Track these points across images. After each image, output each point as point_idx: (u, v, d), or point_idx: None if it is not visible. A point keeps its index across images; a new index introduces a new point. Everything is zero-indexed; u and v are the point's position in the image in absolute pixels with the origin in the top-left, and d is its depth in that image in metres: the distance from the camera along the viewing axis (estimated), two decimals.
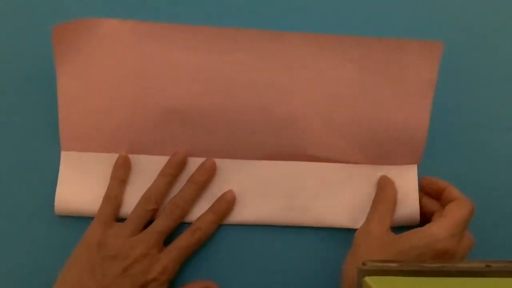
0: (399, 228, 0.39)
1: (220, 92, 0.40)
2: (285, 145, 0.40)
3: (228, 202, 0.40)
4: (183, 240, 0.38)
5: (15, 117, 0.41)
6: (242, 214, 0.40)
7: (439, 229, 0.35)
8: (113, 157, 0.40)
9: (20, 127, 0.41)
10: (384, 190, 0.40)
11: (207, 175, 0.40)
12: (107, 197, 0.39)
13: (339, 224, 0.40)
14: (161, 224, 0.38)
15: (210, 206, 0.40)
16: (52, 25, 0.37)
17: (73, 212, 0.40)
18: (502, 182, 0.42)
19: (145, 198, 0.39)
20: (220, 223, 0.40)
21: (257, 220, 0.40)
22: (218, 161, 0.41)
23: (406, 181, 0.40)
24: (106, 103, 0.39)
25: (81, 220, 0.39)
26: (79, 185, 0.40)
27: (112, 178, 0.39)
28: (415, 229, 0.36)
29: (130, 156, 0.40)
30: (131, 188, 0.40)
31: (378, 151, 0.41)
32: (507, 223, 0.41)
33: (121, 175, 0.40)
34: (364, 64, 0.39)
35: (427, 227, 0.36)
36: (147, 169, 0.40)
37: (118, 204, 0.39)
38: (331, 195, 0.40)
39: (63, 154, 0.40)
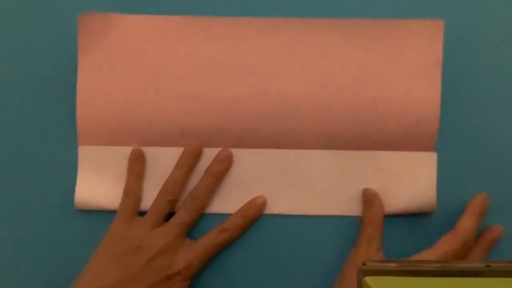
0: (415, 217, 0.39)
1: (235, 81, 0.40)
2: (296, 132, 0.40)
3: (257, 208, 0.40)
4: (210, 239, 0.39)
5: (34, 113, 0.42)
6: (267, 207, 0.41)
7: (431, 255, 0.36)
8: (130, 150, 0.41)
9: (39, 122, 0.42)
10: (371, 208, 0.40)
11: (224, 165, 0.40)
12: (126, 193, 0.40)
13: (353, 213, 0.41)
14: (182, 216, 0.39)
15: (240, 209, 0.40)
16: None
17: (94, 206, 0.41)
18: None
19: (163, 190, 0.39)
20: (248, 227, 0.41)
21: (272, 211, 0.41)
22: (235, 151, 0.41)
23: (424, 167, 0.40)
24: (124, 96, 0.40)
25: (102, 214, 0.40)
26: (98, 179, 0.41)
27: (129, 173, 0.40)
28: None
29: (147, 148, 0.41)
30: (149, 181, 0.41)
31: (392, 135, 0.40)
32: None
33: (137, 169, 0.40)
34: (369, 46, 0.40)
35: (414, 257, 0.36)
36: (165, 161, 0.41)
37: (138, 198, 0.40)
38: (347, 183, 0.41)
39: (81, 148, 0.41)
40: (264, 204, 0.40)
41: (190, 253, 0.38)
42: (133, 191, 0.40)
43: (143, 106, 0.40)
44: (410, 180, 0.40)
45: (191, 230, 0.40)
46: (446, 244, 0.37)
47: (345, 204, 0.41)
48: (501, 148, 0.41)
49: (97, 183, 0.41)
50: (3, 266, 0.41)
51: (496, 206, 0.40)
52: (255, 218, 0.40)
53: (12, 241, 0.41)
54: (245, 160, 0.41)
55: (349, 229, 0.41)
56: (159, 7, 0.41)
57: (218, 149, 0.41)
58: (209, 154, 0.41)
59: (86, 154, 0.41)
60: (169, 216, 0.40)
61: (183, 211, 0.39)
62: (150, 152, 0.41)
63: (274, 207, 0.41)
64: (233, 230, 0.40)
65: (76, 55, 0.40)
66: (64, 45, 0.41)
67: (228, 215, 0.41)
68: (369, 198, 0.40)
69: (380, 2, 0.41)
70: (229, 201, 0.41)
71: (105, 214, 0.40)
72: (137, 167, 0.40)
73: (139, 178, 0.40)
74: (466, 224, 0.38)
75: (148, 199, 0.40)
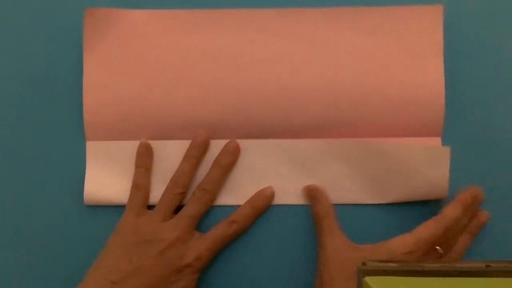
0: (426, 205, 0.40)
1: (241, 73, 0.40)
2: (303, 122, 0.41)
3: (266, 198, 0.41)
4: (220, 231, 0.40)
5: (41, 109, 0.42)
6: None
7: (398, 246, 0.36)
8: (138, 144, 0.41)
9: (46, 118, 0.42)
10: (320, 202, 0.40)
11: (232, 157, 0.41)
12: (135, 186, 0.40)
13: (360, 201, 0.41)
14: (192, 209, 0.39)
15: (248, 201, 0.41)
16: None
17: (103, 202, 0.41)
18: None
19: (172, 183, 0.40)
20: (257, 218, 0.41)
21: (281, 201, 0.41)
22: (243, 142, 0.41)
23: (436, 155, 0.40)
24: (131, 91, 0.41)
25: (111, 210, 0.41)
26: (107, 174, 0.41)
27: (137, 166, 0.41)
28: (379, 243, 0.37)
29: (155, 142, 0.41)
30: (158, 174, 0.41)
31: (397, 121, 0.40)
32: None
33: (145, 162, 0.41)
34: (371, 34, 0.40)
35: (388, 242, 0.37)
36: (173, 154, 0.41)
37: (147, 192, 0.40)
38: (355, 172, 0.41)
39: (88, 144, 0.41)
40: (272, 195, 0.41)
41: (200, 245, 0.39)
42: (142, 184, 0.40)
43: (150, 100, 0.41)
44: (421, 167, 0.40)
45: (200, 222, 0.41)
46: (426, 229, 0.37)
47: (354, 192, 0.41)
48: (507, 132, 0.41)
49: (106, 178, 0.41)
50: (14, 262, 0.42)
51: (501, 194, 0.41)
52: (264, 208, 0.41)
53: (22, 238, 0.42)
54: (253, 151, 0.41)
55: (358, 218, 0.41)
56: (164, 2, 0.41)
57: (226, 141, 0.41)
58: (217, 146, 0.41)
59: (94, 150, 0.41)
60: (178, 208, 0.40)
61: (193, 203, 0.40)
62: (158, 145, 0.41)
63: (283, 198, 0.41)
64: (242, 221, 0.40)
65: (81, 50, 0.40)
66: (70, 40, 0.41)
67: (237, 206, 0.41)
68: (313, 193, 0.40)
69: None
70: (237, 193, 0.41)
71: (115, 209, 0.41)
72: (145, 160, 0.41)
73: (147, 171, 0.41)
74: (451, 211, 0.38)
75: (157, 192, 0.41)
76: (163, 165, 0.41)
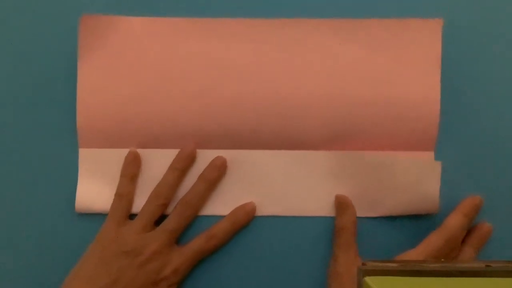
0: (414, 219, 0.40)
1: (235, 83, 0.40)
2: (296, 133, 0.41)
3: (247, 213, 0.40)
4: (198, 245, 0.39)
5: (35, 115, 0.42)
6: (267, 208, 0.41)
7: (412, 254, 0.36)
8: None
9: (40, 124, 0.42)
10: (344, 214, 0.39)
11: (218, 173, 0.40)
12: (118, 195, 0.40)
13: (361, 214, 0.41)
14: (173, 222, 0.39)
15: (228, 215, 0.40)
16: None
17: (94, 210, 0.41)
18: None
19: (155, 193, 0.39)
20: (236, 232, 0.40)
21: (271, 213, 0.41)
22: (230, 152, 0.41)
23: (427, 170, 0.40)
24: (125, 99, 0.41)
25: (103, 218, 0.40)
26: (99, 182, 0.41)
27: (123, 175, 0.40)
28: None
29: (146, 150, 0.41)
30: (148, 183, 0.41)
31: (392, 134, 0.40)
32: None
33: (131, 171, 0.40)
34: (369, 46, 0.40)
35: (404, 254, 0.37)
36: (165, 163, 0.41)
37: (130, 201, 0.40)
38: (347, 184, 0.41)
39: (81, 151, 0.41)
40: (253, 210, 0.40)
41: (177, 259, 0.38)
42: (125, 193, 0.40)
43: (144, 108, 0.40)
44: (412, 181, 0.40)
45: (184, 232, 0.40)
46: (430, 243, 0.37)
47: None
48: (501, 147, 0.41)
49: (98, 186, 0.41)
50: (5, 268, 0.41)
51: (494, 206, 0.40)
52: (244, 224, 0.41)
53: (13, 244, 0.41)
54: (247, 161, 0.41)
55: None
56: (160, 9, 0.41)
57: (219, 151, 0.41)
58: (211, 155, 0.41)
59: (87, 157, 0.41)
60: (162, 218, 0.40)
61: (174, 217, 0.39)
62: (150, 154, 0.41)
63: (273, 209, 0.41)
64: (221, 236, 0.40)
65: (76, 56, 0.40)
66: (65, 46, 0.41)
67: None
68: (341, 205, 0.40)
69: (379, 2, 0.41)
70: (229, 203, 0.41)
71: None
72: (131, 169, 0.40)
73: (133, 181, 0.40)
74: (452, 221, 0.38)
75: (142, 200, 0.40)
76: (154, 174, 0.41)
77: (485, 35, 0.41)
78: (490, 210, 0.41)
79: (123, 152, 0.41)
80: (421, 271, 0.27)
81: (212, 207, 0.41)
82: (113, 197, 0.40)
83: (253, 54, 0.40)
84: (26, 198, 0.41)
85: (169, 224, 0.39)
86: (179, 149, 0.41)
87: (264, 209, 0.41)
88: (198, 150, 0.41)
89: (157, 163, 0.41)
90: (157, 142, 0.41)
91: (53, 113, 0.42)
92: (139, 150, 0.41)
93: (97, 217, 0.41)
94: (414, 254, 0.37)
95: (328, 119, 0.40)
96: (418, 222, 0.41)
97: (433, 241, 0.37)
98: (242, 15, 0.41)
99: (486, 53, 0.41)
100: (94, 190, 0.41)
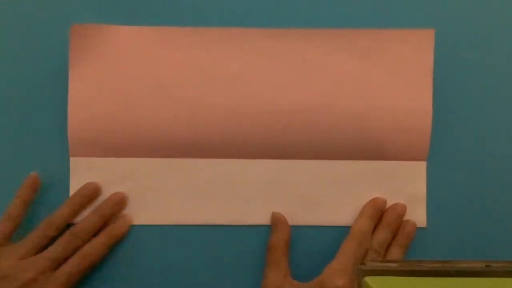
0: None
1: (225, 92, 0.40)
2: (288, 143, 0.41)
3: (124, 226, 0.40)
4: (72, 267, 0.37)
5: (26, 124, 0.41)
6: (254, 216, 0.41)
7: (329, 276, 0.36)
8: (122, 162, 0.41)
9: (31, 133, 0.41)
10: (275, 232, 0.40)
11: (115, 209, 0.40)
12: (7, 214, 0.38)
13: (345, 223, 0.41)
14: (56, 251, 0.37)
15: (105, 231, 0.39)
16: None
17: None
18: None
19: (47, 224, 0.38)
20: (112, 246, 0.40)
21: (264, 222, 0.41)
22: (227, 161, 0.41)
23: (414, 180, 0.41)
24: (116, 108, 0.40)
25: None
26: None
27: (17, 196, 0.39)
28: (315, 279, 0.37)
29: (137, 159, 0.41)
30: (136, 192, 0.40)
31: (383, 144, 0.41)
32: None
33: (26, 194, 0.39)
34: (361, 56, 0.40)
35: (321, 275, 0.36)
36: (154, 172, 0.41)
37: (16, 224, 0.38)
38: (338, 194, 0.41)
39: (72, 160, 0.41)
40: (130, 222, 0.40)
41: (52, 284, 0.36)
42: (15, 214, 0.38)
43: (135, 117, 0.40)
44: (399, 194, 0.41)
45: (190, 243, 0.40)
46: (345, 250, 0.37)
47: (336, 214, 0.41)
48: (494, 157, 0.41)
49: None
50: None
51: (487, 214, 0.41)
52: (120, 237, 0.40)
53: None
54: (238, 171, 0.41)
55: (340, 239, 0.40)
56: (151, 18, 0.41)
57: (212, 160, 0.41)
58: (202, 165, 0.41)
59: (78, 166, 0.41)
60: None
61: (58, 246, 0.37)
62: (141, 163, 0.41)
63: (266, 218, 0.41)
64: (97, 253, 0.38)
65: (67, 65, 0.40)
66: (56, 56, 0.41)
67: (219, 226, 0.41)
68: (275, 222, 0.40)
69: (372, 12, 0.42)
70: (222, 212, 0.41)
71: None
72: (26, 192, 0.39)
73: (24, 204, 0.39)
74: (358, 225, 0.38)
75: (133, 210, 0.40)
76: (145, 183, 0.41)
77: (477, 46, 0.42)
78: (483, 217, 0.41)
79: (115, 161, 0.41)
80: (421, 271, 0.27)
81: (204, 216, 0.41)
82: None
83: (244, 64, 0.41)
84: None
85: (50, 252, 0.37)
86: (174, 158, 0.40)
87: (251, 218, 0.41)
88: (187, 160, 0.41)
89: (148, 172, 0.41)
90: (148, 151, 0.41)
91: (44, 121, 0.41)
92: (129, 159, 0.41)
93: None
94: (338, 263, 0.36)
95: (319, 129, 0.40)
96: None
97: (348, 247, 0.37)
98: (233, 25, 0.41)
99: (478, 64, 0.42)
100: None
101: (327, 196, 0.41)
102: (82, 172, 0.41)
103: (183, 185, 0.41)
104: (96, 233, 0.39)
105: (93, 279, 0.40)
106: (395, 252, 0.39)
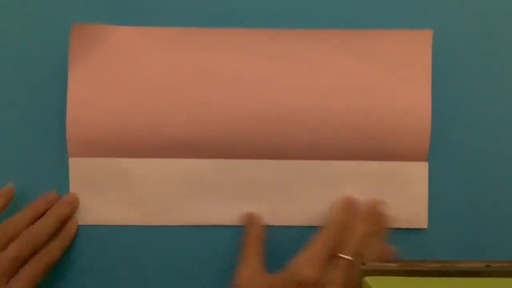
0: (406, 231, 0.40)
1: (225, 92, 0.40)
2: (287, 143, 0.41)
3: (72, 232, 0.40)
4: (32, 268, 0.37)
5: (25, 124, 0.41)
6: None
7: (298, 266, 0.35)
8: (121, 162, 0.41)
9: (30, 133, 0.41)
10: (250, 227, 0.40)
11: (70, 209, 0.40)
12: None
13: None
14: (14, 250, 0.36)
15: (58, 235, 0.39)
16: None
17: (86, 220, 0.41)
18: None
19: (2, 230, 0.37)
20: (65, 248, 0.39)
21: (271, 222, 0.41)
22: (227, 162, 0.41)
23: (416, 180, 0.41)
24: (115, 108, 0.40)
25: (94, 230, 0.40)
26: (89, 191, 0.40)
27: None
28: (287, 268, 0.36)
29: (136, 160, 0.41)
30: (134, 193, 0.40)
31: (383, 145, 0.40)
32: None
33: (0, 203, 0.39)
34: (359, 57, 0.40)
35: (291, 264, 0.36)
36: (152, 173, 0.41)
37: None
38: (339, 194, 0.41)
39: (71, 160, 0.41)
40: (75, 226, 0.40)
41: None
42: None
43: (135, 117, 0.40)
44: (400, 194, 0.41)
45: (193, 244, 0.40)
46: (315, 240, 0.36)
47: None
48: (494, 157, 0.41)
49: (89, 196, 0.40)
50: None
51: (488, 214, 0.41)
52: (71, 239, 0.40)
53: None
54: (239, 171, 0.41)
55: None
56: (151, 19, 0.41)
57: (211, 160, 0.41)
58: (203, 165, 0.41)
59: (77, 166, 0.41)
60: None
61: (15, 246, 0.36)
62: (140, 163, 0.41)
63: (266, 219, 0.41)
64: (53, 254, 0.38)
65: (67, 65, 0.40)
66: (55, 56, 0.41)
67: (224, 226, 0.41)
68: (246, 221, 0.40)
69: (371, 13, 0.42)
70: (224, 212, 0.41)
71: (99, 230, 0.40)
72: (0, 201, 0.39)
73: None
74: (331, 215, 0.38)
75: (129, 213, 0.40)
76: (144, 184, 0.40)
77: (475, 46, 0.42)
78: (484, 218, 0.41)
79: (114, 161, 0.41)
80: (421, 271, 0.27)
81: (205, 216, 0.41)
82: (104, 207, 0.40)
83: (244, 64, 0.41)
84: (17, 207, 0.40)
85: (7, 254, 0.36)
86: (173, 159, 0.40)
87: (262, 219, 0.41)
88: (187, 160, 0.41)
89: (147, 173, 0.41)
90: (147, 152, 0.41)
91: (44, 122, 0.41)
92: (128, 160, 0.41)
93: (86, 227, 0.40)
94: (308, 253, 0.36)
95: (319, 129, 0.40)
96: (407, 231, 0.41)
97: (319, 236, 0.36)
98: (232, 25, 0.41)
99: (476, 64, 0.42)
100: (86, 200, 0.40)
101: (328, 196, 0.41)
102: (81, 172, 0.40)
103: (183, 185, 0.41)
104: (53, 232, 0.38)
105: (91, 279, 0.40)
106: (375, 243, 0.38)
